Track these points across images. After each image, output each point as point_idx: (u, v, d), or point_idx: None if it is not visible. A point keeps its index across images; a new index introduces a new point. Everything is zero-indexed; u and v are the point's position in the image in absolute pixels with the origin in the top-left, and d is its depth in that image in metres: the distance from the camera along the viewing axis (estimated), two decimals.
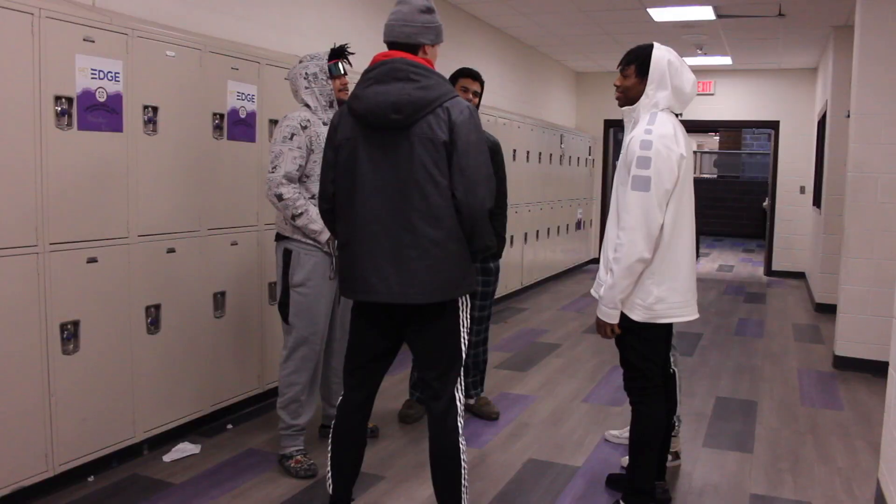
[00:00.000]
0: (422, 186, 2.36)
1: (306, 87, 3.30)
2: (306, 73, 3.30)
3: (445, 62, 3.69)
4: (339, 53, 3.35)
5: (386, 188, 2.40)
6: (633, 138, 2.66)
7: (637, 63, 2.74)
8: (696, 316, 2.82)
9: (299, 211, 3.17)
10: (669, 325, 2.84)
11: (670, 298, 2.69)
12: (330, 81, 3.30)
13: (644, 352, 2.78)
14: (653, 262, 2.65)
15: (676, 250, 2.68)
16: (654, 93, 2.70)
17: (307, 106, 3.30)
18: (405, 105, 2.35)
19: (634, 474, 2.88)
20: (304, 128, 3.20)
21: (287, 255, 3.28)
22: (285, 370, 3.33)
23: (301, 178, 3.22)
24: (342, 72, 3.33)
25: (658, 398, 2.83)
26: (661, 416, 2.84)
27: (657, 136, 2.61)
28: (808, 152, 9.97)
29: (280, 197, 3.16)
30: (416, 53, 2.46)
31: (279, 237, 3.33)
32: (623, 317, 2.71)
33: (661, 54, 2.71)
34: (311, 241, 3.25)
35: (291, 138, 3.18)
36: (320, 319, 3.32)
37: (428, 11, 2.48)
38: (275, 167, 3.17)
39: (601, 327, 2.77)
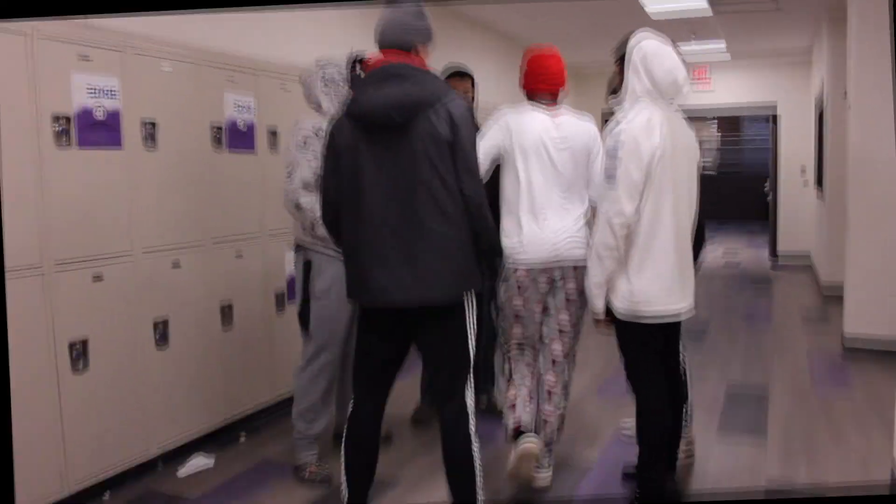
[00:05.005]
0: (428, 183, 2.38)
1: (324, 90, 3.25)
2: (324, 76, 3.27)
3: (442, 61, 3.68)
4: (358, 61, 3.33)
5: (392, 189, 2.41)
6: (607, 130, 2.71)
7: (620, 53, 2.81)
8: (685, 307, 2.77)
9: (320, 220, 3.13)
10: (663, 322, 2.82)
11: (651, 290, 2.69)
12: (347, 88, 3.25)
13: (639, 340, 2.80)
14: (633, 255, 2.68)
15: (657, 243, 2.68)
16: (631, 81, 2.73)
17: (320, 107, 3.25)
18: (403, 103, 2.37)
19: (642, 461, 2.88)
20: (318, 135, 3.14)
21: (307, 265, 3.26)
22: (302, 379, 3.31)
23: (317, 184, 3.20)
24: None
25: (656, 386, 2.84)
26: (660, 405, 2.84)
27: (627, 128, 2.64)
28: (807, 136, 9.92)
29: (298, 206, 3.13)
30: (409, 53, 2.47)
31: (298, 247, 3.31)
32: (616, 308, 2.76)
33: (636, 42, 2.74)
34: (331, 250, 3.13)
35: (305, 145, 3.15)
36: (342, 328, 3.28)
37: (419, 12, 2.51)
38: (291, 176, 3.15)
39: (595, 323, 2.85)
